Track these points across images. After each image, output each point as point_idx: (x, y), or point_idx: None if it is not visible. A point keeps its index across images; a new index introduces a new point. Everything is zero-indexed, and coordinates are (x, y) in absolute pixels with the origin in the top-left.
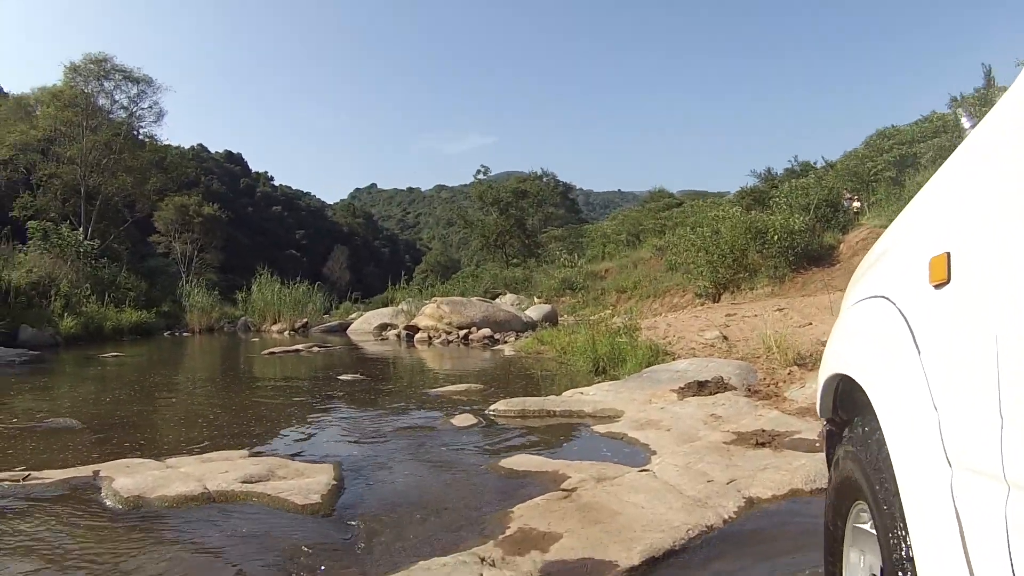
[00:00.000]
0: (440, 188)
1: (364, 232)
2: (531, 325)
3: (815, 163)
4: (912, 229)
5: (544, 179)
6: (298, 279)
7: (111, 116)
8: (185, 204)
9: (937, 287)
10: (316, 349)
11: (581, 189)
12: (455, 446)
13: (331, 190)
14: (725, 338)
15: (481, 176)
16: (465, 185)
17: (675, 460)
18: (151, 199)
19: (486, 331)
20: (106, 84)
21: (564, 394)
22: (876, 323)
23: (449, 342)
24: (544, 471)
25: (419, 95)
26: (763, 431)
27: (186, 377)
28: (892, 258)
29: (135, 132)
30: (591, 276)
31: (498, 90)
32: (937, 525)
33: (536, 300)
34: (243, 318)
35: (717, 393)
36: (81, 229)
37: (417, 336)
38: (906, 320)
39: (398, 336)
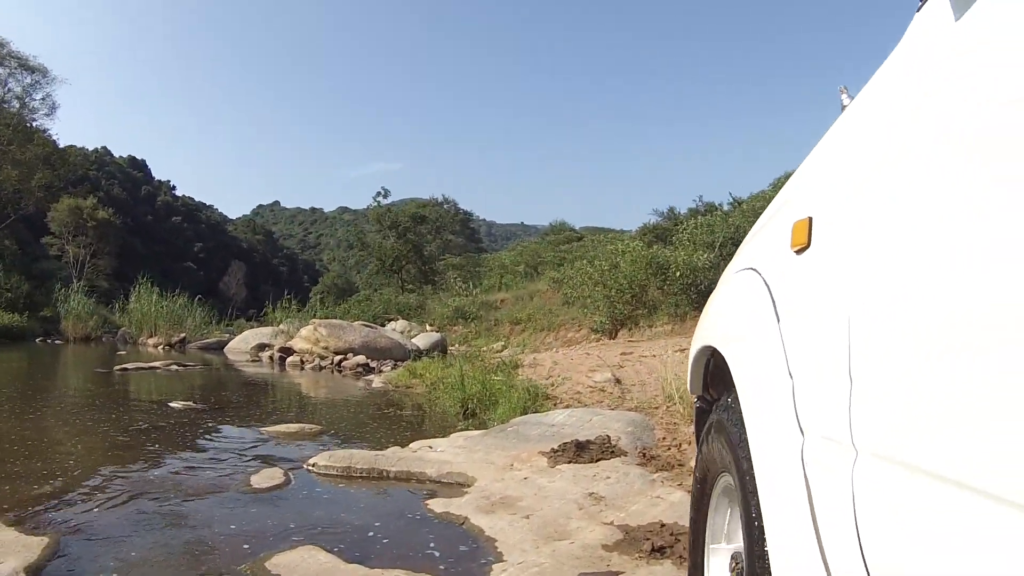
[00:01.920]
0: (343, 210)
1: (264, 249)
2: (417, 353)
3: (720, 204)
4: (782, 201)
5: (444, 206)
6: (179, 292)
7: (3, 105)
8: (80, 206)
9: (798, 252)
10: (175, 368)
11: (484, 220)
12: (228, 523)
13: (234, 204)
14: (618, 381)
15: (381, 199)
16: (368, 208)
17: None
18: (36, 195)
19: (360, 358)
20: (1, 71)
21: (412, 446)
22: (741, 294)
23: (322, 368)
24: None
25: (327, 117)
26: (661, 526)
27: (7, 393)
28: (762, 232)
29: (27, 124)
30: (486, 306)
31: (407, 117)
32: (787, 493)
33: (428, 328)
34: (122, 329)
35: (601, 460)
36: None
37: (289, 359)
38: (768, 288)
39: (271, 358)
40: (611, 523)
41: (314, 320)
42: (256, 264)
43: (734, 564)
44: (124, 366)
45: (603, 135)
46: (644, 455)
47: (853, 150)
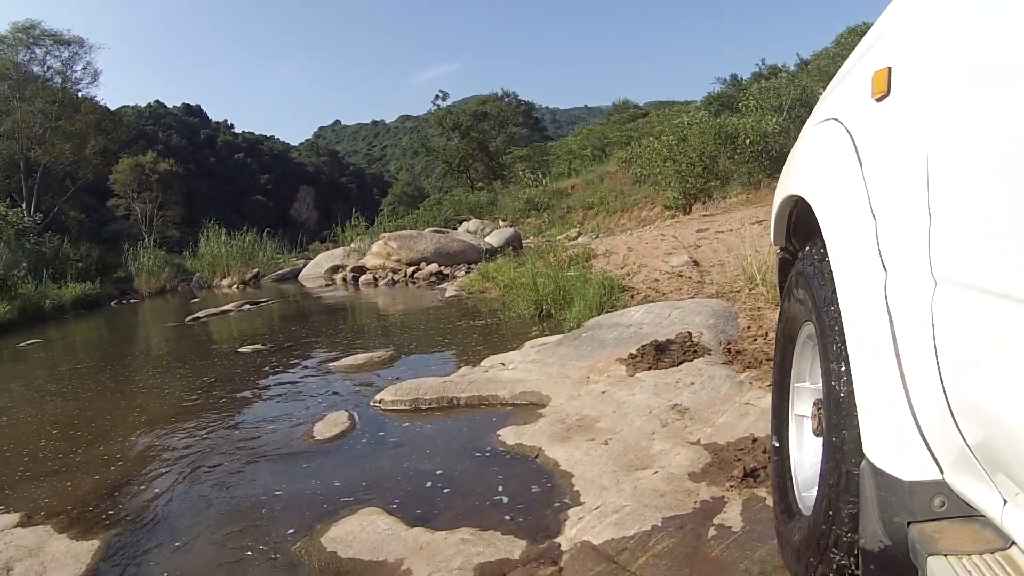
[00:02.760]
0: (405, 118)
1: (330, 170)
2: (491, 253)
3: (784, 65)
4: (862, 52)
5: (505, 99)
6: (246, 228)
7: (47, 83)
8: (140, 163)
9: (879, 100)
10: (247, 307)
11: (547, 108)
12: (289, 489)
13: (295, 132)
14: (696, 263)
15: (440, 102)
16: (428, 113)
17: (605, 525)
18: (92, 163)
19: (433, 267)
20: (37, 51)
21: (483, 363)
22: (825, 143)
23: (395, 282)
24: (378, 562)
25: (378, 25)
26: (753, 441)
27: (75, 368)
28: (843, 82)
29: (75, 95)
30: (557, 194)
31: (459, 14)
32: (871, 325)
33: (501, 224)
34: (196, 275)
35: (683, 363)
36: (24, 205)
37: (362, 278)
38: (850, 135)
39: (344, 280)
40: (697, 442)
41: (384, 234)
42: (324, 185)
43: (815, 410)
44: (196, 315)
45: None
46: (729, 351)
47: (933, 2)
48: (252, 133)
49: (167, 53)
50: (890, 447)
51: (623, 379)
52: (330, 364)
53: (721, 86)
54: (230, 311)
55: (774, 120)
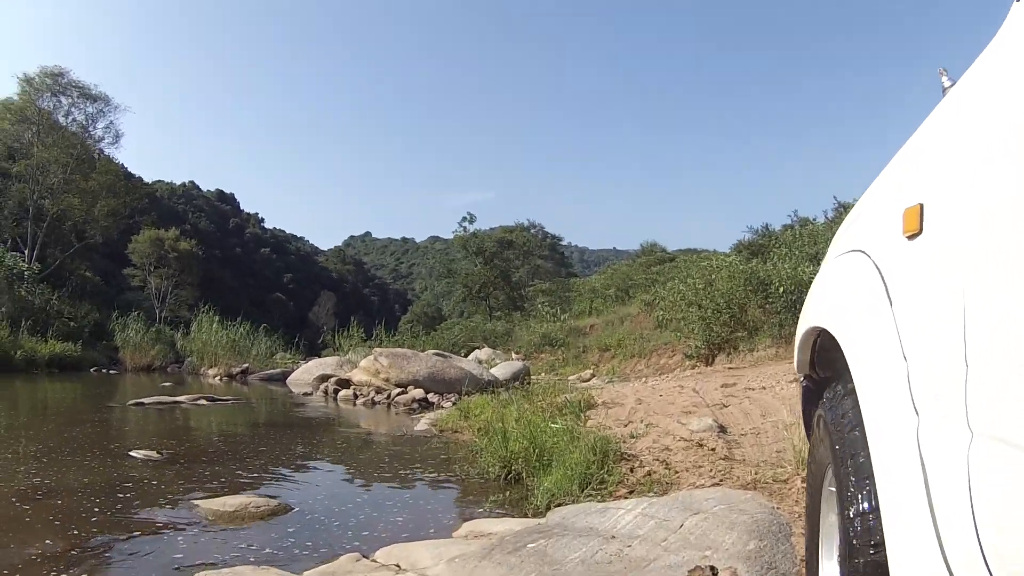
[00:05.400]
0: (434, 239)
1: (354, 279)
2: (493, 385)
3: (813, 219)
4: (889, 184)
5: (531, 230)
6: (243, 323)
7: (66, 134)
8: (160, 237)
9: (910, 238)
10: (203, 402)
11: (576, 246)
12: None
13: (325, 236)
14: (722, 430)
15: (467, 224)
16: (454, 235)
17: None
18: (101, 224)
19: (419, 393)
20: (63, 100)
21: (378, 555)
22: (852, 276)
23: (375, 403)
24: None
25: (418, 148)
26: None
27: None
28: (869, 213)
29: (94, 154)
30: (574, 332)
31: (497, 146)
32: (903, 472)
33: (514, 355)
34: (188, 359)
35: None
36: (26, 252)
37: (342, 393)
38: (879, 271)
39: (325, 392)
40: None
41: (376, 349)
42: (347, 294)
43: None
44: (141, 400)
45: (694, 153)
46: None
47: (962, 136)
48: (282, 231)
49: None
50: None
51: None
52: (198, 503)
53: (751, 235)
54: (183, 402)
55: (810, 269)
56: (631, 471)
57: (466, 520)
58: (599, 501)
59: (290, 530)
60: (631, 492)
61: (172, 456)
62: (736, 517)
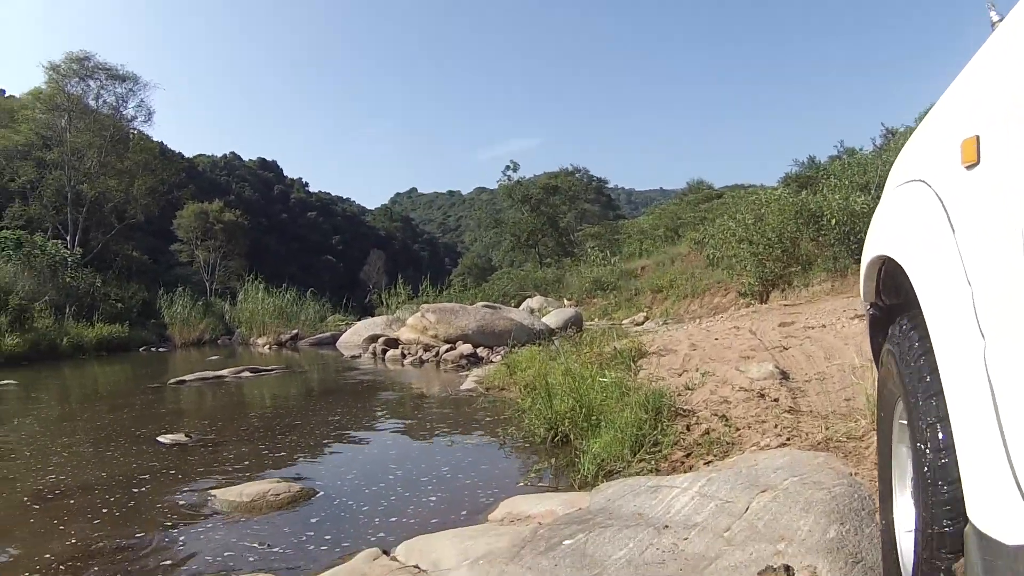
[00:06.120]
0: (480, 190)
1: (403, 236)
2: (547, 334)
3: (861, 149)
4: (945, 116)
5: (576, 175)
6: (291, 288)
7: (98, 117)
8: (205, 210)
9: (968, 168)
10: (247, 375)
11: (623, 188)
12: None
13: (371, 196)
14: (784, 375)
15: (511, 172)
16: (499, 184)
17: None
18: (141, 202)
19: (467, 348)
20: (91, 84)
21: (398, 549)
22: (914, 205)
23: (423, 361)
24: None
25: (461, 99)
26: None
27: None
28: (927, 144)
29: (127, 133)
30: (625, 275)
31: (541, 91)
32: (972, 396)
33: (566, 302)
34: (237, 330)
35: None
36: (69, 238)
37: (390, 353)
38: (941, 201)
39: (373, 352)
40: None
41: (424, 305)
42: (396, 251)
43: None
44: (182, 378)
45: (742, 90)
46: None
47: (1013, 70)
48: (328, 193)
49: (247, 107)
50: (994, 513)
51: None
52: (215, 492)
53: (798, 168)
54: (225, 376)
55: (862, 199)
56: (687, 429)
57: (506, 497)
58: (652, 471)
59: (312, 520)
60: (688, 455)
61: (201, 439)
62: (811, 494)
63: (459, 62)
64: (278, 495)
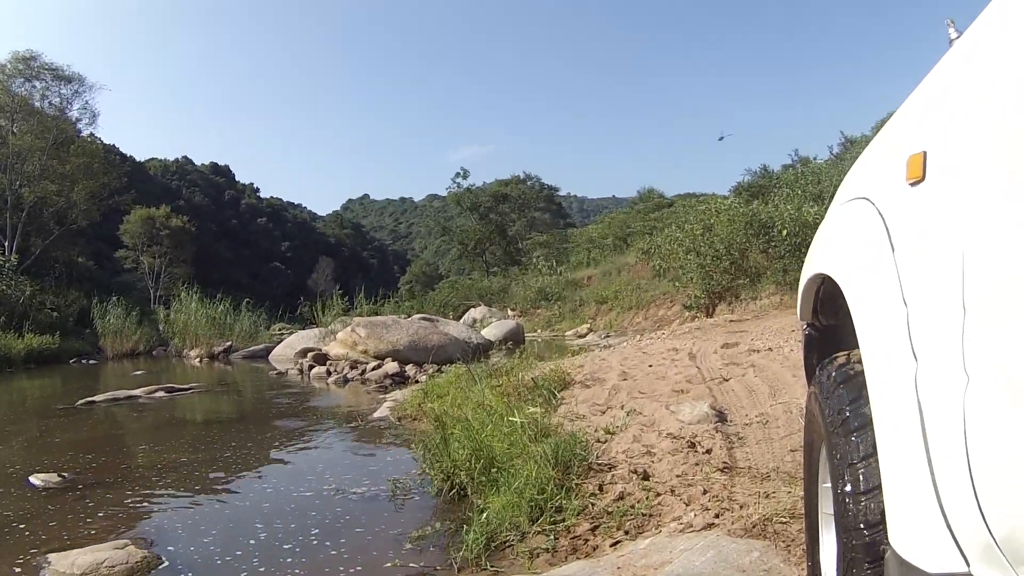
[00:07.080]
0: (432, 197)
1: (352, 243)
2: (481, 349)
3: (814, 158)
4: (894, 133)
5: (528, 182)
6: (223, 297)
7: (42, 119)
8: (151, 216)
9: (913, 184)
10: (160, 395)
11: (576, 196)
12: None
13: (323, 202)
14: (720, 416)
15: (460, 179)
16: (447, 191)
17: None
18: (81, 207)
19: (393, 367)
20: (37, 85)
21: None
22: (855, 222)
23: (347, 379)
24: None
25: (414, 105)
26: None
27: None
28: (875, 160)
29: (71, 136)
30: (571, 285)
31: (495, 98)
32: (901, 414)
33: (510, 313)
34: (172, 342)
35: None
36: (7, 243)
37: (315, 370)
38: (883, 218)
39: (300, 369)
40: None
41: (354, 319)
42: (345, 259)
43: None
44: (92, 399)
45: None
46: None
47: (966, 86)
48: (279, 199)
49: (199, 109)
50: (917, 538)
51: None
52: (51, 558)
53: (750, 177)
54: (138, 397)
55: (814, 209)
56: (600, 490)
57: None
58: (549, 549)
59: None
60: (594, 529)
61: (75, 479)
62: None
63: (414, 67)
64: (112, 568)
